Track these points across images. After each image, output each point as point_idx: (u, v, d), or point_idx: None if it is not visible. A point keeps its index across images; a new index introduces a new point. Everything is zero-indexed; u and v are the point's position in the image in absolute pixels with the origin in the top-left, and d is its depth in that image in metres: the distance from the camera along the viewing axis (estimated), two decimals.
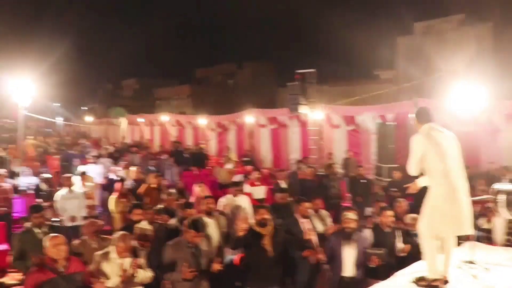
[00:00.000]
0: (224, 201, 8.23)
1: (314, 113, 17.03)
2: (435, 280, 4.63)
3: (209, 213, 6.69)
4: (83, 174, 10.63)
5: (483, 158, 12.77)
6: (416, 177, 4.87)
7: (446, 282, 4.66)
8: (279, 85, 36.98)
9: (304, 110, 16.76)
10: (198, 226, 5.40)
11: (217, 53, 75.47)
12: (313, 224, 6.00)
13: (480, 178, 10.68)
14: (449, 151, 4.63)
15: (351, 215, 5.86)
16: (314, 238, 6.07)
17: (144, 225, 5.91)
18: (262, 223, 5.60)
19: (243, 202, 8.41)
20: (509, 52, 18.69)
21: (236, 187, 8.59)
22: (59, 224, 6.90)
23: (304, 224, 5.95)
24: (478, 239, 5.38)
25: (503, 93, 10.67)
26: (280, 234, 5.78)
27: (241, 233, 5.65)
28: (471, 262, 5.19)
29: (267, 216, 5.68)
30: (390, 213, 6.28)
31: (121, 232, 5.17)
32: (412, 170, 4.77)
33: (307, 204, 6.16)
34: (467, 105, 9.75)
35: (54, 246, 4.49)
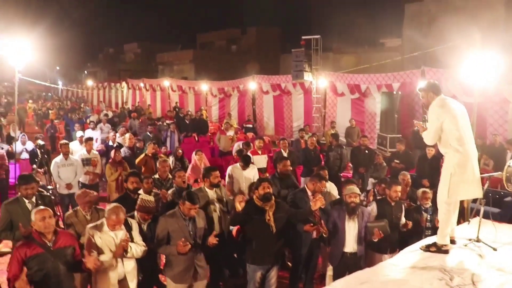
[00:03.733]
0: (231, 171, 7.76)
1: (318, 80, 16.73)
2: (445, 245, 4.84)
3: (213, 185, 6.22)
4: (88, 140, 9.96)
5: (489, 130, 12.55)
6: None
7: (453, 242, 4.98)
8: (283, 51, 36.44)
9: (308, 77, 16.46)
10: (193, 198, 5.13)
11: (221, 18, 73.83)
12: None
13: (483, 151, 10.54)
14: (462, 121, 4.80)
15: (355, 189, 5.64)
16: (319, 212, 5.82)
17: (147, 196, 5.57)
18: (265, 198, 5.33)
19: (252, 174, 7.94)
20: None
21: (243, 160, 7.92)
22: (48, 194, 6.52)
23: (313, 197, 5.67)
24: (485, 216, 5.18)
25: None
26: (283, 209, 5.54)
27: (240, 209, 5.47)
28: (477, 241, 5.01)
29: (270, 190, 5.42)
30: (398, 188, 6.06)
31: (113, 204, 4.84)
32: (430, 139, 4.93)
33: (323, 182, 5.91)
34: (477, 76, 9.41)
35: (41, 220, 4.20)
